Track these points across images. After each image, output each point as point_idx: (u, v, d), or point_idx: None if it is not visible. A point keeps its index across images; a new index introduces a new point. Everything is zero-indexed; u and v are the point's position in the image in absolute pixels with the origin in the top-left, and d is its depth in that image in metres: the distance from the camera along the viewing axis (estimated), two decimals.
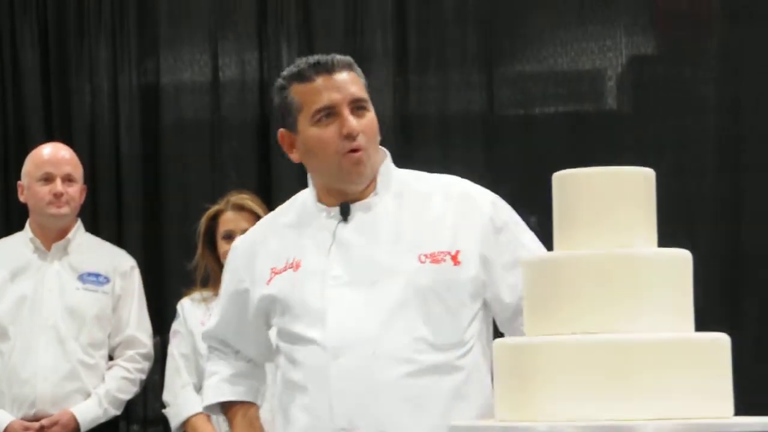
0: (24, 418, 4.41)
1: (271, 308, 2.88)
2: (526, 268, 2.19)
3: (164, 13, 5.30)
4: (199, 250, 4.50)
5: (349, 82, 2.77)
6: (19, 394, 4.42)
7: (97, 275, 4.56)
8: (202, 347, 4.42)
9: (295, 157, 2.85)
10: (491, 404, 2.74)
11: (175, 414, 4.47)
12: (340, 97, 2.75)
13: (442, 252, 2.76)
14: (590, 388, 2.00)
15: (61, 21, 5.31)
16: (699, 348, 2.06)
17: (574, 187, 2.18)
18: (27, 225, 4.60)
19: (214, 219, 4.49)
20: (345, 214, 2.81)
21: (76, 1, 5.30)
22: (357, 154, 2.75)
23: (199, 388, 4.46)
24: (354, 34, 5.18)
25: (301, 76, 2.78)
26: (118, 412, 4.56)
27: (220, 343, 3.06)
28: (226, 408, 3.05)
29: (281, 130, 2.84)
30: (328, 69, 2.77)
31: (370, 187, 2.83)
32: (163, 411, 4.55)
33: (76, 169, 4.56)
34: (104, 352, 4.56)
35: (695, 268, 2.17)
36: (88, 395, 4.47)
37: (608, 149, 4.88)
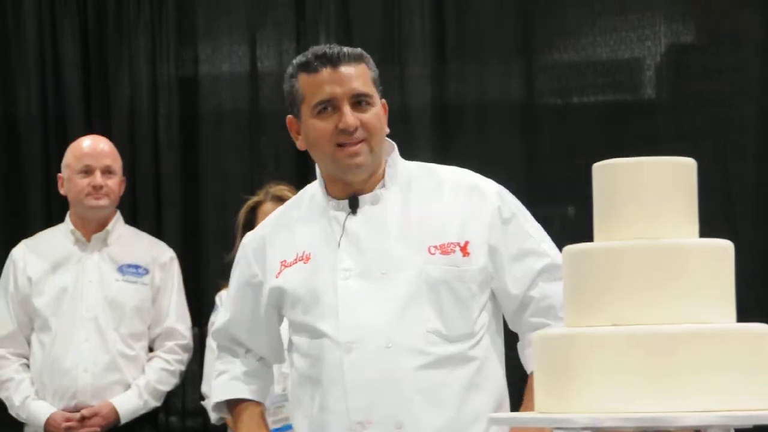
0: (65, 409, 4.44)
1: (281, 301, 2.88)
2: (567, 258, 2.18)
3: (202, 4, 5.31)
4: (238, 242, 4.50)
5: (353, 76, 2.79)
6: (60, 386, 4.45)
7: (137, 267, 4.58)
8: None
9: (300, 144, 2.88)
10: (504, 393, 2.82)
11: None
12: (341, 91, 2.77)
13: (451, 243, 2.78)
14: (631, 380, 1.99)
15: (100, 13, 5.33)
16: (740, 338, 2.04)
17: (614, 177, 2.16)
18: (67, 217, 4.63)
19: (253, 210, 4.50)
20: (353, 206, 2.83)
21: None
22: (352, 148, 2.77)
23: None
24: (392, 22, 5.17)
25: (307, 67, 2.81)
26: (158, 404, 4.58)
27: (231, 341, 3.06)
28: (233, 406, 3.05)
29: (289, 116, 2.89)
30: (333, 62, 2.78)
31: (377, 179, 2.85)
32: (202, 403, 4.56)
33: (116, 162, 4.59)
34: (144, 344, 4.58)
35: (737, 258, 2.16)
36: (128, 386, 4.49)
37: (647, 139, 4.85)
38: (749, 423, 2.05)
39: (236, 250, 4.50)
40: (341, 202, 2.84)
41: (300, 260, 2.85)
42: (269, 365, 3.09)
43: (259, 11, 5.30)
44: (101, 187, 4.51)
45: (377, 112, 2.81)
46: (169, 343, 4.60)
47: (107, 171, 4.54)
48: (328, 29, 5.21)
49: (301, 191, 2.98)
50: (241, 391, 3.02)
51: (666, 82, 5.02)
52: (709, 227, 2.50)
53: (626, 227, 2.13)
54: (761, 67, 4.89)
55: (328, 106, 2.78)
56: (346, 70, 2.79)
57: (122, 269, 4.56)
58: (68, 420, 4.42)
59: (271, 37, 5.30)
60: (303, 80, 2.82)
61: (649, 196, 2.13)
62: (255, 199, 4.53)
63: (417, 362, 2.72)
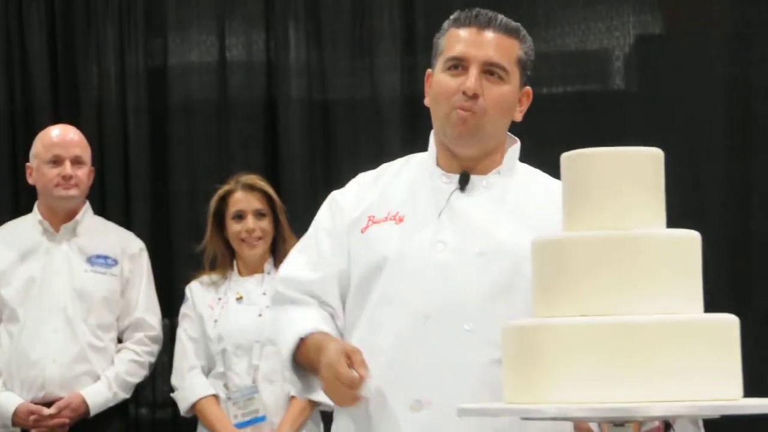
0: (33, 401, 4.42)
1: (360, 257, 2.69)
2: (535, 249, 2.18)
3: None
4: (209, 232, 4.50)
5: (494, 44, 2.65)
6: (28, 377, 4.43)
7: (106, 257, 4.56)
8: (211, 331, 4.44)
9: (427, 100, 2.74)
10: None
11: (183, 398, 4.48)
12: (476, 53, 2.64)
13: None
14: (598, 371, 2.00)
15: (67, 4, 5.30)
16: (707, 329, 2.05)
17: (583, 167, 2.17)
18: (35, 207, 4.60)
19: (224, 199, 4.49)
20: (464, 183, 2.69)
21: None
22: (465, 113, 2.63)
23: (207, 372, 4.47)
24: (362, 14, 5.16)
25: (457, 21, 2.69)
26: (127, 396, 4.56)
27: (303, 292, 2.75)
28: (301, 343, 2.67)
29: (429, 70, 2.75)
30: (482, 24, 2.66)
31: (491, 164, 2.72)
32: (172, 395, 4.56)
33: (85, 152, 4.56)
34: (113, 335, 4.56)
35: (704, 249, 2.17)
36: (97, 378, 4.47)
37: (616, 129, 4.86)
38: (717, 413, 2.06)
39: (206, 241, 4.54)
40: (451, 175, 2.70)
41: (391, 219, 2.69)
42: (342, 326, 2.74)
43: (228, 2, 5.28)
44: (71, 177, 4.48)
45: (507, 92, 2.68)
46: (139, 335, 4.58)
47: (77, 161, 4.52)
48: (297, 20, 5.20)
49: (408, 156, 2.82)
50: (324, 328, 2.66)
51: (635, 72, 5.03)
52: (677, 218, 2.51)
53: (594, 217, 2.14)
54: (730, 59, 4.91)
55: (459, 65, 2.65)
56: (490, 35, 2.66)
57: (91, 260, 4.54)
58: (34, 413, 4.39)
59: (240, 28, 5.29)
60: (449, 33, 2.69)
61: (618, 186, 2.14)
62: (225, 187, 4.52)
63: (492, 355, 2.49)
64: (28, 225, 4.58)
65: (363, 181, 2.81)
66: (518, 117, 2.77)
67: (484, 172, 2.72)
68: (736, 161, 4.87)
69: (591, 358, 2.02)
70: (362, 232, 2.70)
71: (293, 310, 2.75)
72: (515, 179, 2.74)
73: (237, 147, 5.23)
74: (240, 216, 4.46)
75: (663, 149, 2.20)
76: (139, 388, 4.72)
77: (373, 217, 2.71)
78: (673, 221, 2.20)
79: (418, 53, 5.09)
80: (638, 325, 2.02)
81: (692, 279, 2.13)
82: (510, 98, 2.70)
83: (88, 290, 4.50)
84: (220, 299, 4.47)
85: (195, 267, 4.59)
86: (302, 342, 2.68)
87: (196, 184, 5.13)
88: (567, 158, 2.19)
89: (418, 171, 2.75)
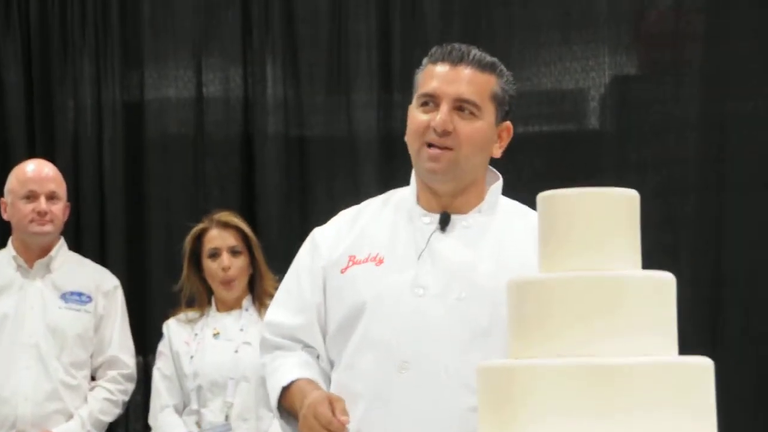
0: None
1: (340, 299, 2.68)
2: (511, 289, 2.18)
3: (148, 29, 5.29)
4: (185, 271, 4.49)
5: (466, 80, 2.63)
6: (0, 414, 4.39)
7: (80, 294, 4.53)
8: (187, 368, 4.42)
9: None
10: None
11: None
12: (446, 89, 2.62)
13: None
14: (574, 411, 2.00)
15: (44, 36, 5.30)
16: (683, 372, 2.06)
17: (558, 207, 2.17)
18: (9, 242, 4.57)
19: (199, 238, 4.48)
20: (444, 223, 2.67)
21: (60, 16, 5.30)
22: (434, 151, 2.61)
23: (180, 410, 4.45)
24: (338, 51, 5.18)
25: (432, 57, 2.68)
26: None
27: (287, 338, 2.77)
28: (286, 391, 2.70)
29: (410, 105, 2.73)
30: (455, 59, 2.64)
31: (472, 202, 2.70)
32: None
33: (60, 187, 4.54)
34: (86, 372, 4.53)
35: (678, 289, 2.18)
36: (70, 416, 4.44)
37: (591, 168, 4.89)
38: None
39: (183, 279, 4.53)
40: (432, 215, 2.68)
41: (371, 260, 2.66)
42: (324, 367, 2.75)
43: (205, 37, 5.29)
44: (46, 213, 4.46)
45: (480, 128, 2.64)
46: (112, 372, 4.55)
47: (52, 196, 4.49)
48: (274, 56, 5.22)
49: (389, 193, 2.80)
50: (305, 374, 2.69)
51: (610, 112, 5.06)
52: (651, 259, 2.52)
53: (570, 258, 2.14)
54: (703, 99, 4.95)
55: (430, 101, 2.63)
56: (462, 71, 2.64)
57: (65, 296, 4.51)
58: None
59: (217, 64, 5.30)
60: (425, 69, 2.68)
61: (593, 227, 2.14)
62: (200, 226, 4.51)
63: (471, 402, 2.46)
64: (2, 261, 4.55)
65: (343, 220, 2.79)
66: (497, 153, 2.75)
67: (465, 210, 2.70)
68: (710, 200, 4.89)
69: (566, 399, 2.01)
70: (342, 272, 2.69)
71: (279, 357, 2.76)
72: (497, 217, 2.71)
73: (213, 183, 5.22)
74: (215, 254, 4.45)
75: (637, 188, 2.21)
76: (112, 427, 4.69)
77: (354, 257, 2.69)
78: (645, 259, 2.21)
79: (394, 90, 5.11)
80: (614, 367, 2.02)
81: (667, 320, 2.13)
82: (484, 134, 2.66)
83: (62, 327, 4.47)
84: (196, 335, 4.45)
85: (170, 303, 4.58)
86: (287, 390, 2.69)
87: (172, 219, 5.12)
88: (543, 198, 2.20)
89: (400, 209, 2.73)
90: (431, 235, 2.67)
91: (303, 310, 2.74)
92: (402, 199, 2.76)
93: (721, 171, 4.90)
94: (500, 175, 2.77)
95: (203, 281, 4.48)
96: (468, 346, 2.58)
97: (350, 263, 2.69)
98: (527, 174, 4.85)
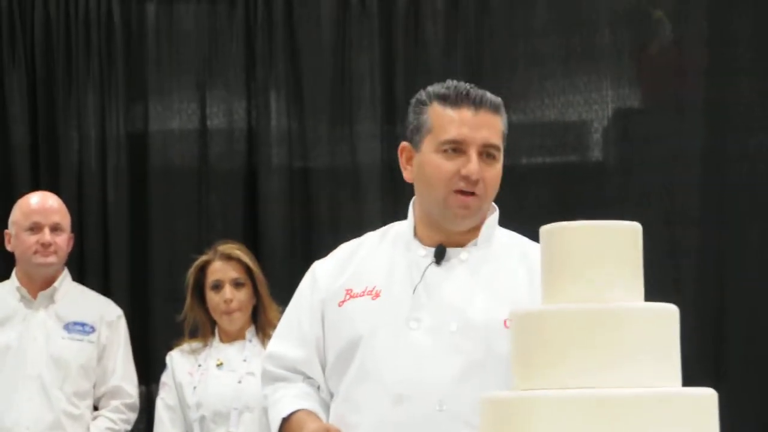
0: None
1: (337, 331, 2.70)
2: (514, 321, 2.19)
3: (152, 61, 5.31)
4: (188, 302, 4.49)
5: (489, 125, 2.65)
6: None
7: (83, 324, 4.53)
8: (190, 398, 4.42)
9: (407, 174, 2.72)
10: None
11: None
12: (473, 136, 2.63)
13: None
14: None
15: (49, 69, 5.32)
16: (686, 403, 2.06)
17: (561, 240, 2.18)
18: (13, 274, 4.58)
19: (202, 270, 4.48)
20: (440, 256, 2.68)
21: (65, 48, 5.32)
22: (468, 199, 2.63)
23: None
24: (341, 82, 5.20)
25: (446, 99, 2.66)
26: None
27: (288, 369, 2.80)
28: (285, 422, 2.73)
29: (404, 143, 2.73)
30: (476, 103, 2.64)
31: (470, 235, 2.71)
32: None
33: (64, 219, 4.55)
34: (89, 402, 4.53)
35: (681, 321, 2.18)
36: None
37: (594, 200, 4.90)
38: None
39: (186, 311, 4.53)
40: (427, 248, 2.69)
41: (368, 294, 2.68)
42: (324, 398, 2.78)
43: (209, 70, 5.31)
44: (50, 244, 4.47)
45: (499, 170, 2.69)
46: (115, 402, 4.54)
47: (56, 228, 4.51)
48: (278, 88, 5.23)
49: (387, 227, 2.81)
50: (304, 405, 2.72)
51: (613, 145, 5.07)
52: (654, 290, 2.53)
53: (572, 290, 2.15)
54: (705, 132, 4.96)
55: (456, 148, 2.63)
56: (484, 117, 2.65)
57: (68, 327, 4.52)
58: None
59: (221, 96, 5.32)
60: (437, 111, 2.66)
61: (596, 259, 2.15)
62: (203, 258, 4.51)
63: None
64: (6, 292, 4.56)
65: (342, 253, 2.81)
66: None
67: (462, 243, 2.71)
68: (713, 232, 4.90)
69: (570, 430, 2.02)
70: (339, 306, 2.71)
71: (280, 389, 2.78)
72: (492, 249, 2.72)
73: (217, 214, 5.23)
74: (218, 286, 4.45)
75: (640, 219, 2.21)
76: None
77: (351, 290, 2.71)
78: (649, 293, 2.22)
79: (398, 121, 5.12)
80: (617, 398, 2.03)
81: (670, 352, 2.14)
82: (500, 175, 2.71)
83: (65, 357, 4.47)
84: (200, 366, 4.45)
85: (173, 333, 4.58)
86: (287, 421, 2.71)
87: (175, 251, 5.12)
88: (546, 231, 2.21)
89: (397, 243, 2.74)
90: (426, 268, 2.68)
91: (303, 344, 2.76)
92: (399, 232, 2.77)
93: (723, 203, 4.91)
94: (496, 207, 2.78)
95: (206, 312, 4.48)
96: (462, 379, 2.59)
97: (347, 297, 2.71)
98: (530, 205, 4.85)
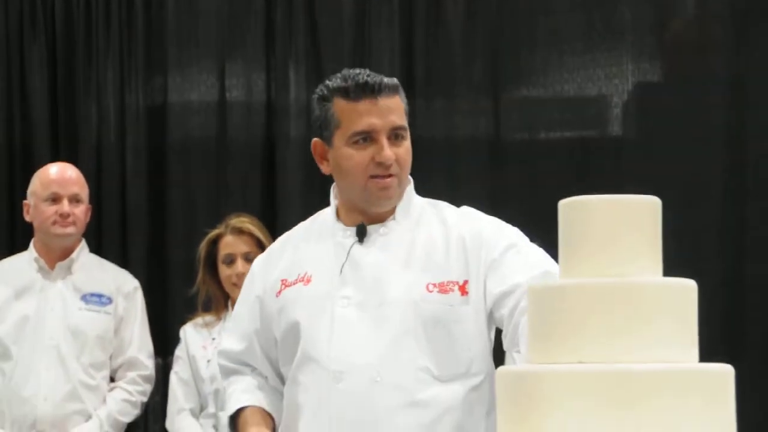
0: None
1: (277, 320, 2.85)
2: (532, 295, 2.18)
3: (172, 34, 5.31)
4: (200, 275, 4.50)
5: (392, 109, 2.77)
6: (20, 415, 4.41)
7: (100, 296, 4.55)
8: (204, 372, 4.44)
9: (325, 168, 2.86)
10: None
11: None
12: (381, 123, 2.75)
13: (450, 282, 2.75)
14: (593, 417, 2.00)
15: (69, 41, 5.32)
16: (703, 379, 2.05)
17: (580, 214, 2.17)
18: (31, 244, 4.60)
19: (215, 243, 4.49)
20: (361, 234, 2.81)
21: (85, 20, 5.32)
22: (386, 180, 2.76)
23: (197, 413, 4.46)
24: (362, 57, 5.19)
25: (346, 93, 2.77)
26: None
27: (237, 362, 2.99)
28: (237, 416, 2.91)
29: (315, 139, 2.85)
30: (374, 92, 2.76)
31: (388, 211, 2.84)
32: None
33: (83, 190, 4.57)
34: (106, 373, 4.55)
35: (700, 297, 2.17)
36: (89, 417, 4.45)
37: (613, 175, 4.88)
38: None
39: (198, 284, 4.54)
40: (349, 228, 2.83)
41: (300, 281, 2.83)
42: (274, 386, 2.96)
43: (229, 42, 5.31)
44: (68, 215, 4.48)
45: (408, 146, 2.81)
46: (131, 374, 4.56)
47: (74, 199, 4.52)
48: (297, 61, 5.22)
49: (315, 215, 2.97)
50: (249, 400, 2.91)
51: (632, 119, 5.05)
52: (672, 265, 2.51)
53: (591, 265, 2.14)
54: (726, 108, 4.93)
55: (366, 138, 2.76)
56: (385, 102, 2.76)
57: (86, 298, 4.54)
58: None
59: (240, 69, 5.31)
60: (339, 106, 2.78)
61: (615, 234, 2.14)
62: (215, 232, 4.52)
63: (404, 400, 2.70)
64: (24, 262, 4.57)
65: (275, 247, 2.98)
66: None
67: (381, 219, 2.83)
68: (733, 207, 4.87)
69: (585, 405, 2.01)
70: (277, 296, 2.86)
71: (232, 383, 2.98)
72: (411, 219, 2.84)
73: (235, 186, 5.23)
74: (231, 260, 4.46)
75: (660, 195, 2.20)
76: (131, 427, 4.70)
77: (286, 280, 2.85)
78: (668, 268, 2.20)
79: (417, 96, 5.11)
80: (634, 373, 2.02)
81: (688, 327, 2.13)
82: (410, 151, 2.82)
83: (82, 328, 4.48)
84: (213, 339, 4.46)
85: (190, 307, 4.59)
86: (236, 418, 2.90)
87: (193, 223, 5.12)
88: (564, 205, 2.20)
89: (322, 229, 2.88)
90: (351, 247, 2.80)
91: (244, 338, 2.95)
92: (325, 219, 2.90)
93: (744, 180, 4.88)
94: (411, 179, 2.88)
95: (219, 285, 4.49)
96: (394, 348, 2.71)
97: (283, 286, 2.85)
98: (549, 179, 4.84)
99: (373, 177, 2.76)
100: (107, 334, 4.54)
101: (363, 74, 2.78)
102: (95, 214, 4.84)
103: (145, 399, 4.60)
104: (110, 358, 4.56)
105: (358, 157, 2.76)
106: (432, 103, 5.14)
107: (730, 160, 4.91)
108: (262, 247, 4.48)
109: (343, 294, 2.77)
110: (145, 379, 4.59)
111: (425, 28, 5.16)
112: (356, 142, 2.76)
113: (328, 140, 2.82)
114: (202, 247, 4.50)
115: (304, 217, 5.09)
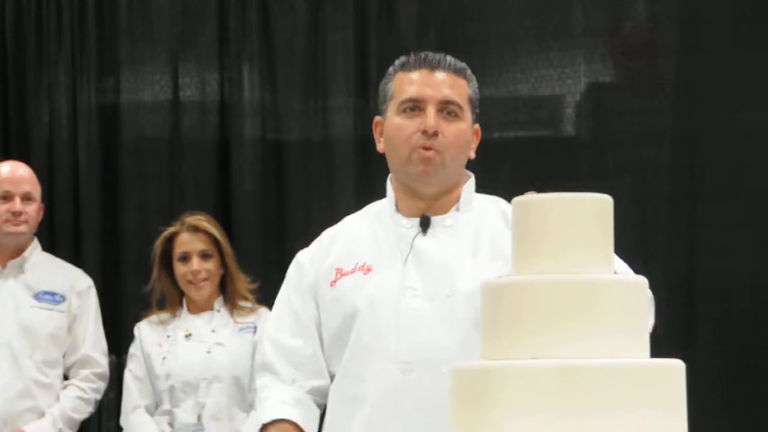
0: None
1: (332, 310, 2.73)
2: (485, 292, 2.20)
3: (124, 32, 5.29)
4: (155, 273, 4.50)
5: (446, 83, 2.69)
6: None
7: (53, 294, 4.53)
8: (159, 369, 4.43)
9: (380, 146, 2.77)
10: None
11: None
12: (431, 93, 2.67)
13: None
14: (545, 413, 2.01)
15: (20, 38, 5.29)
16: (655, 374, 2.08)
17: (533, 212, 2.19)
18: None
19: (170, 241, 4.49)
20: (425, 226, 2.72)
21: (36, 18, 5.29)
22: (428, 152, 2.66)
23: (152, 410, 4.45)
24: (315, 56, 5.19)
25: (404, 65, 2.72)
26: None
27: (291, 365, 2.79)
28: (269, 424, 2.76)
29: (377, 117, 2.78)
30: (432, 65, 2.69)
31: (450, 202, 2.76)
32: None
33: (35, 188, 4.55)
34: (59, 371, 4.53)
35: (651, 292, 2.20)
36: (41, 414, 4.44)
37: (566, 175, 4.91)
38: None
39: (153, 281, 4.53)
40: (411, 219, 2.73)
41: (359, 270, 2.72)
42: (316, 402, 2.80)
43: (182, 41, 5.29)
44: (20, 213, 4.47)
45: (462, 129, 2.72)
46: (85, 371, 4.55)
47: (26, 197, 4.50)
48: (251, 61, 5.22)
49: (365, 208, 2.86)
50: (286, 413, 2.73)
51: (585, 120, 5.09)
52: (624, 262, 2.54)
53: (544, 262, 2.16)
54: (676, 108, 4.98)
55: (415, 107, 2.68)
56: (442, 75, 2.70)
57: (38, 296, 4.52)
58: None
59: (193, 68, 5.30)
60: (398, 77, 2.72)
61: (567, 231, 2.16)
62: (171, 229, 4.52)
63: None
64: None
65: (325, 238, 2.84)
66: (472, 154, 2.81)
67: (444, 211, 2.75)
68: (682, 207, 4.93)
69: (539, 400, 2.03)
70: (332, 285, 2.74)
71: (268, 387, 2.78)
72: (474, 212, 2.76)
73: (189, 186, 5.22)
74: (185, 258, 4.46)
75: (611, 194, 2.23)
76: (84, 425, 4.69)
77: (341, 269, 2.74)
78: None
79: (370, 96, 5.12)
80: (586, 368, 2.04)
81: (639, 324, 2.15)
82: (466, 134, 2.73)
83: (35, 326, 4.47)
84: (168, 336, 4.47)
85: (144, 305, 4.58)
86: (267, 427, 2.74)
87: (146, 222, 5.11)
88: (518, 203, 2.22)
89: (379, 219, 2.78)
90: (414, 238, 2.72)
91: (302, 332, 2.78)
92: (380, 210, 2.80)
93: (694, 179, 4.94)
94: (472, 174, 2.82)
95: (174, 283, 4.49)
96: (465, 341, 2.62)
97: (338, 275, 2.74)
98: (503, 178, 4.87)
99: (417, 148, 2.66)
100: (60, 332, 4.52)
101: (431, 53, 2.72)
102: (48, 214, 4.82)
103: (99, 396, 4.59)
104: (64, 356, 4.55)
105: (405, 126, 2.68)
106: None
107: (680, 159, 4.96)
108: (218, 246, 4.48)
109: (408, 285, 2.67)
110: (99, 376, 4.58)
111: (378, 29, 5.17)
112: (404, 111, 2.69)
113: (383, 114, 2.74)
114: (158, 244, 4.50)
115: (259, 216, 5.16)
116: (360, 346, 2.69)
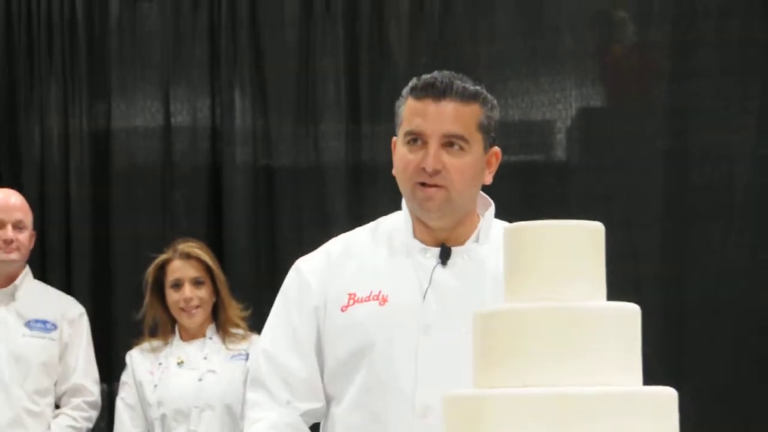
0: None
1: (343, 337, 2.61)
2: (476, 320, 2.20)
3: (116, 58, 5.29)
4: (147, 300, 4.50)
5: (451, 115, 2.57)
6: None
7: (45, 322, 4.52)
8: (151, 397, 4.42)
9: (394, 170, 2.67)
10: None
11: None
12: (430, 127, 2.56)
13: None
14: None
15: (11, 64, 5.29)
16: (646, 402, 2.07)
17: (524, 239, 2.19)
18: None
19: (162, 268, 4.49)
20: (445, 257, 2.63)
21: (27, 44, 5.30)
22: (429, 190, 2.57)
23: None
24: (306, 82, 5.20)
25: (413, 90, 2.60)
26: None
27: (279, 377, 2.66)
28: None
29: (394, 137, 2.68)
30: (438, 94, 2.57)
31: (467, 232, 2.66)
32: None
33: (27, 216, 4.55)
34: (50, 400, 4.52)
35: (643, 320, 2.20)
36: None
37: (557, 200, 4.92)
38: None
39: (145, 308, 4.52)
40: (431, 249, 2.63)
41: (374, 299, 2.60)
42: (308, 423, 2.69)
43: (173, 67, 5.30)
44: (12, 241, 4.47)
45: (470, 161, 2.60)
46: (76, 400, 4.54)
47: (18, 225, 4.50)
48: (242, 87, 5.23)
49: (374, 223, 2.74)
50: None
51: (576, 144, 5.10)
52: (616, 290, 2.54)
53: (535, 290, 2.16)
54: (668, 131, 5.00)
55: (418, 139, 2.58)
56: (448, 106, 2.57)
57: (30, 324, 4.51)
58: None
59: (185, 94, 5.30)
60: (408, 104, 2.60)
61: (558, 259, 2.16)
62: (163, 256, 4.52)
63: None
64: None
65: (333, 252, 2.71)
66: (488, 180, 2.71)
67: (462, 241, 2.66)
68: (673, 232, 4.93)
69: (531, 429, 2.03)
70: (343, 310, 2.63)
71: (262, 408, 2.66)
72: (492, 243, 2.65)
73: (180, 212, 5.22)
74: (178, 285, 4.46)
75: (602, 220, 2.23)
76: None
77: (354, 295, 2.62)
78: (611, 291, 2.23)
79: (362, 121, 5.13)
80: (578, 397, 2.04)
81: (632, 351, 2.15)
82: (474, 166, 2.62)
83: (26, 355, 4.46)
84: (160, 364, 4.46)
85: (136, 332, 4.57)
86: None
87: (138, 249, 5.10)
88: (509, 230, 2.22)
89: (394, 242, 2.67)
90: (433, 270, 2.63)
91: (301, 353, 2.66)
92: (394, 230, 2.70)
93: (685, 204, 4.94)
94: (491, 201, 2.75)
95: (166, 310, 4.49)
96: None
97: (351, 301, 2.62)
98: (494, 203, 4.87)
99: (417, 184, 2.58)
100: (52, 360, 4.51)
101: (438, 74, 2.61)
102: (39, 240, 4.82)
103: (90, 425, 4.57)
104: (55, 384, 4.54)
105: (409, 159, 2.58)
106: (378, 129, 5.16)
107: (671, 185, 4.96)
108: (210, 273, 4.48)
109: (427, 321, 2.58)
110: (91, 405, 4.56)
111: (369, 55, 5.18)
112: (409, 142, 2.59)
113: (398, 138, 2.64)
114: (150, 271, 4.49)
115: (251, 243, 5.15)
116: (374, 381, 2.59)
